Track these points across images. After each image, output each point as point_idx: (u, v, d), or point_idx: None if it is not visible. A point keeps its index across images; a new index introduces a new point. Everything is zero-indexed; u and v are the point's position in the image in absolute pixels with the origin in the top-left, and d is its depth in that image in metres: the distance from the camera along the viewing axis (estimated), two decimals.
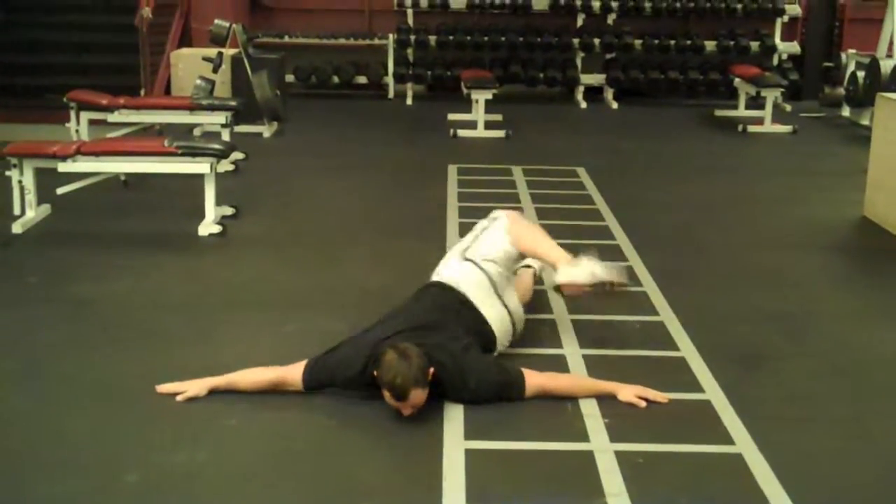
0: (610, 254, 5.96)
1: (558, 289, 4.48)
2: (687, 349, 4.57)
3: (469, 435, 3.73)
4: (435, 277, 4.49)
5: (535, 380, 4.01)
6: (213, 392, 4.01)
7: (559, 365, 4.36)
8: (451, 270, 4.45)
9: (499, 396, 3.95)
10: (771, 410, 4.02)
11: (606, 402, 4.00)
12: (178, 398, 3.98)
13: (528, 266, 5.12)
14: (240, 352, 4.40)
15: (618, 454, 3.60)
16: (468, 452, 3.61)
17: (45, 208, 6.66)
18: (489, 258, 4.44)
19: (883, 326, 5.05)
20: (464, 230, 6.28)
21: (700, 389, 4.16)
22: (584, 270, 4.35)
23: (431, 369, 3.80)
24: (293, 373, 4.04)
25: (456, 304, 4.26)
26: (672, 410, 3.98)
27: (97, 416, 3.90)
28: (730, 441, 3.73)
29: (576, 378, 4.23)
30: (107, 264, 5.73)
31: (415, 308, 4.27)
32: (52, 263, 5.80)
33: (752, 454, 3.61)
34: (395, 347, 3.79)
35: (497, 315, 4.32)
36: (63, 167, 6.40)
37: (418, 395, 3.77)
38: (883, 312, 5.29)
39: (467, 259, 4.46)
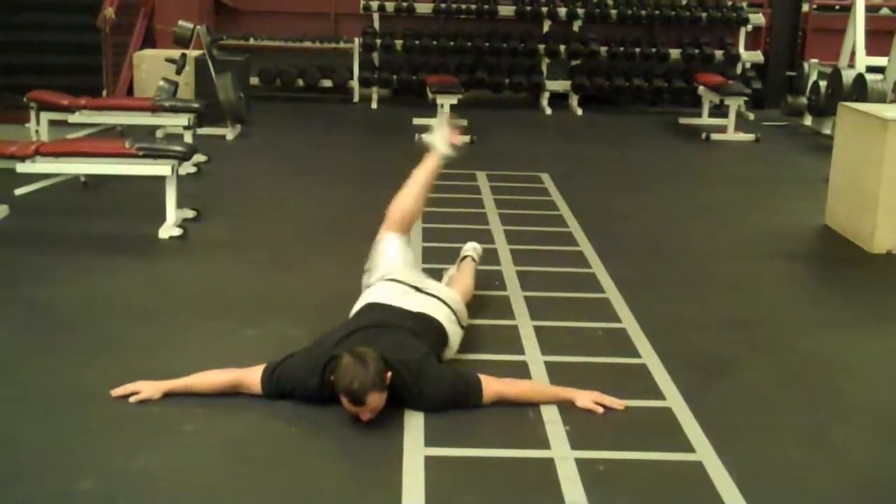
0: (573, 260, 5.99)
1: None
2: (648, 356, 4.57)
3: (429, 442, 3.70)
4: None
5: (493, 386, 3.99)
6: (169, 395, 3.96)
7: (521, 371, 4.34)
8: (368, 296, 4.44)
9: (456, 404, 3.93)
10: (731, 418, 4.02)
11: (568, 408, 3.98)
12: (132, 399, 3.93)
13: (467, 256, 5.27)
14: (199, 357, 4.34)
15: (578, 462, 3.58)
16: (428, 459, 3.58)
17: (3, 209, 6.57)
18: (388, 263, 4.64)
19: (844, 334, 5.07)
20: (427, 235, 6.29)
21: (661, 397, 4.16)
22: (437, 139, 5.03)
23: (389, 372, 3.78)
24: (251, 376, 3.99)
25: (398, 312, 4.23)
26: (633, 418, 3.97)
27: (51, 422, 3.83)
28: (690, 449, 3.72)
29: (533, 384, 4.21)
30: (65, 267, 5.66)
31: (368, 315, 4.23)
32: (9, 265, 5.71)
33: (713, 462, 3.61)
34: (351, 352, 3.75)
35: (432, 306, 4.32)
36: (22, 168, 6.32)
37: (376, 399, 3.73)
38: (844, 321, 5.31)
39: (368, 285, 4.57)
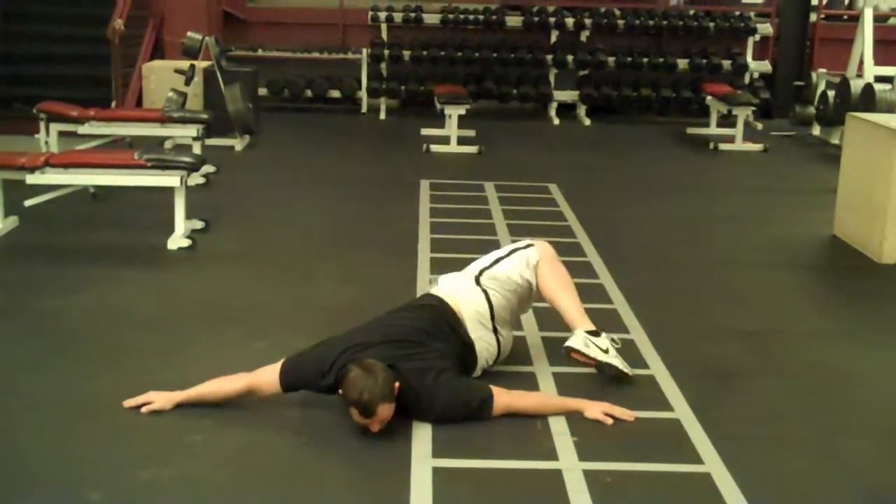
0: (582, 271, 5.98)
1: (568, 352, 4.38)
2: (656, 367, 4.56)
3: (437, 453, 3.71)
4: (437, 290, 4.43)
5: (502, 399, 3.98)
6: (180, 406, 3.97)
7: (529, 382, 4.35)
8: (458, 290, 4.36)
9: (465, 418, 3.93)
10: (740, 430, 4.02)
11: (576, 420, 3.98)
12: (143, 410, 3.95)
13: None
14: (208, 367, 4.33)
15: (586, 473, 3.58)
16: (436, 470, 3.58)
17: (13, 220, 6.59)
18: (504, 285, 4.37)
19: (853, 345, 5.06)
20: (435, 246, 6.30)
21: (669, 408, 4.16)
22: (599, 348, 4.34)
23: (397, 383, 3.78)
24: (266, 376, 3.99)
25: (447, 327, 4.20)
26: (641, 429, 3.97)
27: (61, 433, 3.84)
28: (699, 460, 3.72)
29: (543, 396, 4.21)
30: (74, 277, 5.67)
31: (404, 321, 4.18)
32: (19, 276, 5.74)
33: (721, 474, 3.61)
34: (359, 364, 3.76)
35: (485, 346, 4.29)
36: (31, 179, 6.34)
37: (386, 410, 3.74)
38: (852, 332, 5.30)
39: (479, 285, 4.37)
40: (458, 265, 5.56)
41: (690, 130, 11.78)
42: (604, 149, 10.92)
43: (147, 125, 8.65)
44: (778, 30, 13.30)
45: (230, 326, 5.00)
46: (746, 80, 12.98)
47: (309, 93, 12.60)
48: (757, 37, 13.13)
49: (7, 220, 6.53)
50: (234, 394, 4.00)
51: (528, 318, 5.10)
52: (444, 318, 4.22)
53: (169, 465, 3.59)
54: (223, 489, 3.47)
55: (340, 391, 3.76)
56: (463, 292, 4.35)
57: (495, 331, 4.33)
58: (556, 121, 12.49)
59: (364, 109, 12.67)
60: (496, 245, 6.40)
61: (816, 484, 3.63)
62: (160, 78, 10.62)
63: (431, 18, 12.86)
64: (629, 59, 12.77)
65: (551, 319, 5.08)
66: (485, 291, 4.35)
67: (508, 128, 11.94)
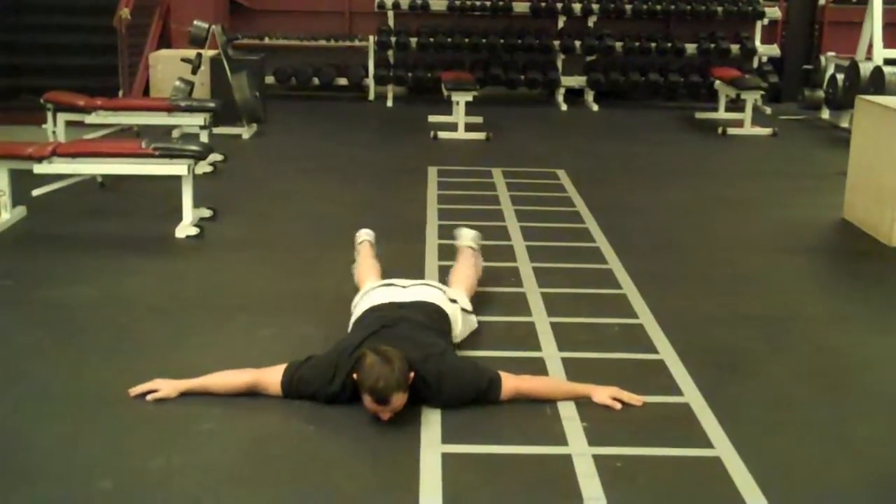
0: (590, 256, 5.98)
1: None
2: (666, 352, 4.55)
3: (446, 439, 3.70)
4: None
5: (511, 382, 3.98)
6: (186, 395, 3.97)
7: (538, 368, 4.34)
8: (365, 301, 4.51)
9: (474, 400, 3.93)
10: (750, 414, 4.01)
11: (585, 404, 3.98)
12: (149, 398, 3.95)
13: (470, 247, 5.30)
14: (216, 356, 4.35)
15: (596, 458, 3.58)
16: (445, 456, 3.58)
17: (21, 210, 6.60)
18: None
19: (863, 329, 5.04)
20: (443, 233, 6.28)
21: (679, 392, 4.15)
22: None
23: (411, 373, 3.78)
24: (271, 377, 3.99)
25: (399, 306, 4.31)
26: (651, 414, 3.96)
27: (70, 421, 3.84)
28: (709, 445, 3.71)
29: (551, 381, 4.21)
30: (82, 267, 5.68)
31: (373, 315, 4.26)
32: (27, 266, 5.74)
33: (731, 458, 3.60)
34: (376, 351, 3.75)
35: (423, 292, 4.47)
36: (39, 169, 6.35)
37: (399, 399, 3.74)
38: (863, 315, 5.28)
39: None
40: None
41: (699, 115, 11.74)
42: (612, 134, 10.89)
43: (154, 114, 8.64)
44: (786, 13, 13.24)
45: (238, 314, 5.00)
46: (755, 64, 12.92)
47: (316, 81, 12.58)
48: (765, 20, 13.06)
49: (15, 210, 6.52)
50: (239, 388, 4.00)
51: (536, 303, 5.10)
52: (396, 304, 4.34)
53: (178, 454, 3.59)
54: (233, 477, 3.47)
55: (356, 376, 3.75)
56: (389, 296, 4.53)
57: (406, 288, 4.53)
58: (564, 107, 12.45)
59: (371, 97, 12.65)
60: (503, 231, 6.43)
61: (827, 468, 3.62)
62: (167, 67, 10.60)
63: (438, 5, 12.81)
64: (637, 44, 12.72)
65: (560, 306, 5.09)
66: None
67: (516, 114, 11.91)
